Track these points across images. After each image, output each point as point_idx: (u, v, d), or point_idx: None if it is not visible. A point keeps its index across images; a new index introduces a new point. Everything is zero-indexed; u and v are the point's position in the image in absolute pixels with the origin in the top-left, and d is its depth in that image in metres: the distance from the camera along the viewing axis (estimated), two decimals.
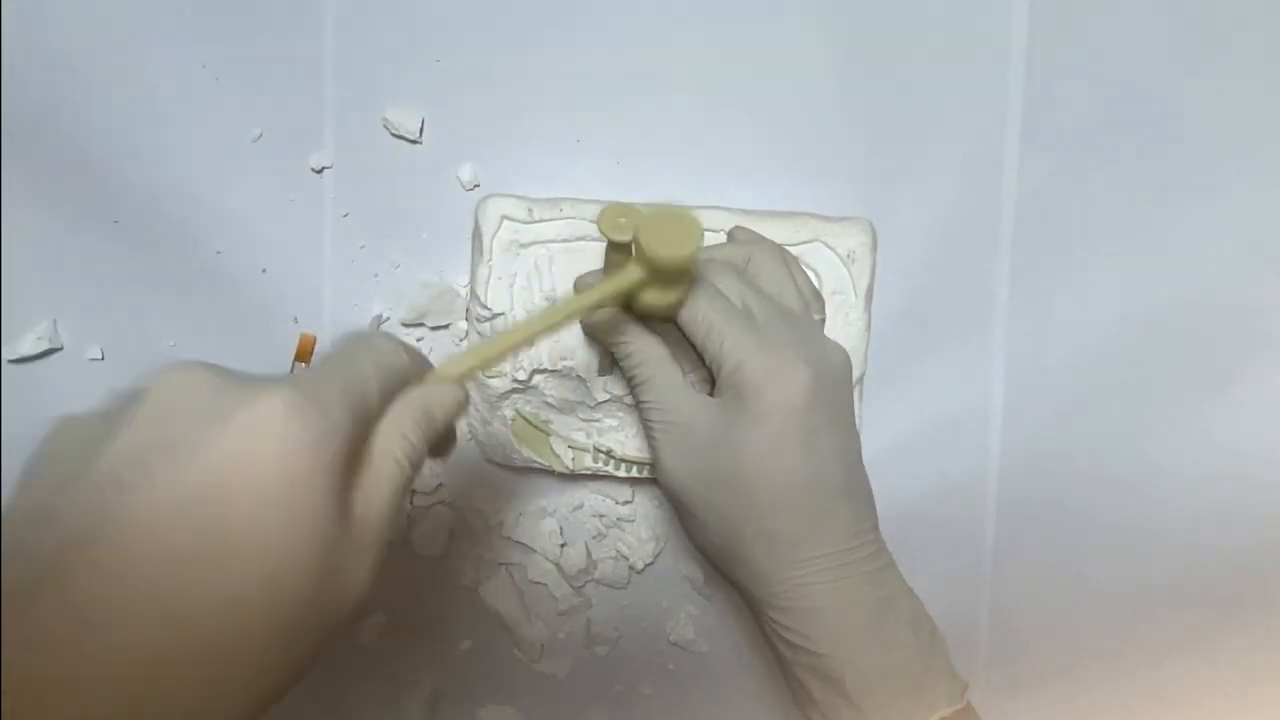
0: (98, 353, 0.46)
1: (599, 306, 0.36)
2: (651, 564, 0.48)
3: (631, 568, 0.48)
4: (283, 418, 0.24)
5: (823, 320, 0.41)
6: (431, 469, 0.48)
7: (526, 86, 0.46)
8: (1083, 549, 0.48)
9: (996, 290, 0.47)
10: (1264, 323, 0.48)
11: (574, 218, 0.43)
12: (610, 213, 0.34)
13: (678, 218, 0.33)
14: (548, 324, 0.34)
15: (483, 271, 0.43)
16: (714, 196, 0.45)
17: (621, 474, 0.45)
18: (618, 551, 0.48)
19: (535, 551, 0.48)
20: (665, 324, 0.38)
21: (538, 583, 0.48)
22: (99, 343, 0.47)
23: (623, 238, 0.34)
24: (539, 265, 0.43)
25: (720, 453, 0.36)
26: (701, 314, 0.36)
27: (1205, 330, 0.47)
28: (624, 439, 0.45)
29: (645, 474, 0.45)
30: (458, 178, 0.46)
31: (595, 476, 0.46)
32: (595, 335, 0.41)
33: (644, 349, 0.38)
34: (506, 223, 0.43)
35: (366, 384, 0.27)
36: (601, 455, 0.45)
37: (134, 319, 0.46)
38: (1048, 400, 0.48)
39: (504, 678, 0.49)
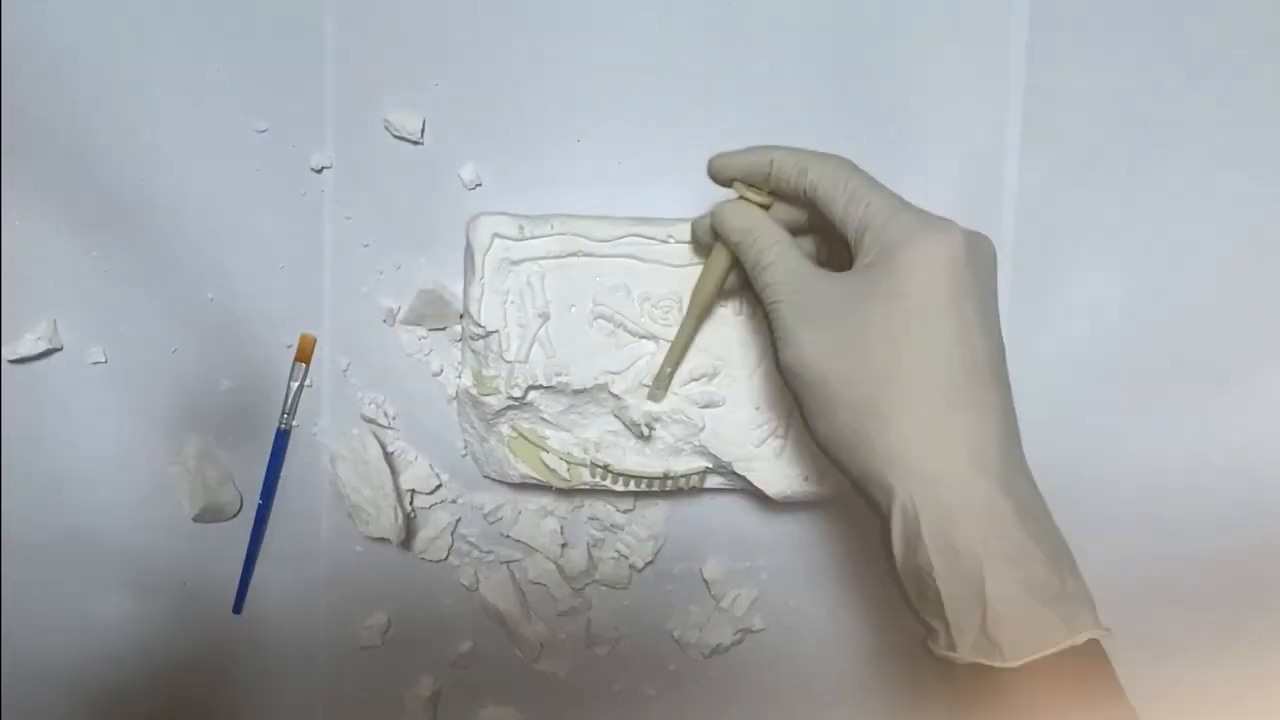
0: (100, 355, 0.46)
1: (712, 297, 0.41)
2: (652, 562, 0.48)
3: (632, 567, 0.48)
4: None
5: None
6: (432, 469, 0.48)
7: (527, 87, 0.46)
8: (1082, 549, 0.48)
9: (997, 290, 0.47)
10: (1264, 322, 0.48)
11: (565, 234, 0.43)
12: (740, 189, 0.38)
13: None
14: (689, 332, 0.43)
15: (475, 290, 0.43)
16: (711, 196, 0.45)
17: (619, 488, 0.45)
18: (618, 551, 0.48)
19: (536, 551, 0.48)
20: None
21: (538, 583, 0.48)
22: (99, 343, 0.47)
23: (764, 199, 0.38)
24: (531, 282, 0.43)
25: (858, 316, 0.33)
26: (843, 181, 0.35)
27: (1205, 330, 0.47)
28: (621, 454, 0.45)
29: (643, 487, 0.45)
30: (459, 177, 0.46)
31: (594, 490, 0.46)
32: (717, 229, 0.39)
33: (767, 233, 0.37)
34: (498, 240, 0.43)
35: None
36: (599, 470, 0.45)
37: (134, 319, 0.46)
38: (1048, 400, 0.48)
39: (504, 678, 0.49)
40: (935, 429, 0.32)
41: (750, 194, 0.38)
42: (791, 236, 0.37)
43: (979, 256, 0.34)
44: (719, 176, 0.39)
